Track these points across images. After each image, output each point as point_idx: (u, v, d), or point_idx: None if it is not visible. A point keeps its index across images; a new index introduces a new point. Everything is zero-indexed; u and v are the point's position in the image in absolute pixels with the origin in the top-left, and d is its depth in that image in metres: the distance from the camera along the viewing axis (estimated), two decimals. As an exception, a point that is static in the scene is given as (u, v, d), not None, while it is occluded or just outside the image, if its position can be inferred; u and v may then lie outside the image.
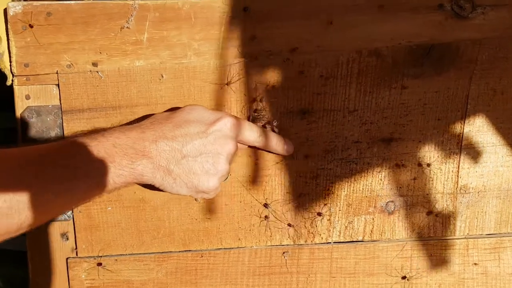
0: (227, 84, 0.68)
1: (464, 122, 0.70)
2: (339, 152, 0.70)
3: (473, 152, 0.71)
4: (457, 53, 0.69)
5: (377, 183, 0.71)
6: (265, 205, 0.70)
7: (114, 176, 0.56)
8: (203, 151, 0.60)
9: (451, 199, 0.71)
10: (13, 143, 0.74)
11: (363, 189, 0.71)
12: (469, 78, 0.70)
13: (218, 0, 0.68)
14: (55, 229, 0.70)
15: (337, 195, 0.71)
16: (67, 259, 0.70)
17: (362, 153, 0.70)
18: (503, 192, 0.71)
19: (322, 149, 0.70)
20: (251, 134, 0.64)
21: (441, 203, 0.71)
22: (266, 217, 0.70)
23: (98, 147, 0.55)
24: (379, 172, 0.71)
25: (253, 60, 0.68)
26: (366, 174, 0.71)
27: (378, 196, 0.71)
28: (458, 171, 0.71)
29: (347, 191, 0.71)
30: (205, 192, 0.62)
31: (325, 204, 0.71)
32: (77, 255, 0.70)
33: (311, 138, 0.70)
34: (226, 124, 0.62)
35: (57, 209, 0.56)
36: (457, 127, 0.70)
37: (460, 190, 0.71)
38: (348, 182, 0.71)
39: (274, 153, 0.69)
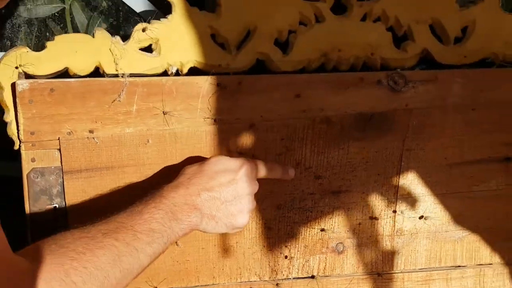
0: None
1: (399, 176, 0.86)
2: (297, 202, 0.84)
3: (407, 201, 0.86)
4: (393, 120, 0.84)
5: (328, 228, 0.85)
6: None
7: (179, 231, 0.69)
8: (236, 195, 0.74)
9: (389, 240, 0.86)
10: (13, 191, 0.85)
11: (317, 233, 0.85)
12: (403, 140, 0.85)
13: (196, 77, 0.81)
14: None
15: (296, 238, 0.84)
16: None
17: (316, 203, 0.84)
18: (431, 234, 0.87)
19: (283, 200, 0.84)
20: (265, 172, 0.79)
21: (381, 244, 0.86)
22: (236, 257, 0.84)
23: (166, 210, 0.68)
24: (330, 219, 0.85)
25: (225, 125, 0.82)
26: (319, 221, 0.85)
27: (330, 239, 0.85)
28: (394, 216, 0.86)
29: (304, 234, 0.85)
30: (240, 228, 0.75)
31: (286, 246, 0.85)
32: None
33: (275, 191, 0.83)
34: (247, 169, 0.75)
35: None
36: (394, 180, 0.86)
37: (396, 233, 0.86)
38: (304, 227, 0.85)
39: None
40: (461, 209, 0.88)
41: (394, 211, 0.86)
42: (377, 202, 0.85)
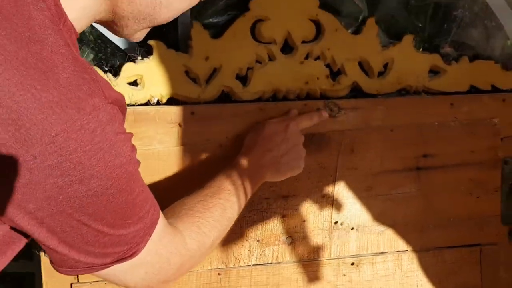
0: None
1: (335, 183, 1.09)
2: (255, 205, 1.06)
3: (341, 203, 1.09)
4: (329, 139, 1.07)
5: (279, 225, 1.07)
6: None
7: (254, 185, 0.94)
8: (290, 148, 0.97)
9: (327, 233, 1.09)
10: None
11: (271, 229, 1.07)
12: (337, 155, 1.08)
13: (174, 107, 1.01)
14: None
15: (254, 234, 1.06)
16: (71, 284, 1.00)
17: (270, 205, 1.06)
18: (360, 227, 1.10)
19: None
20: (306, 122, 1.02)
21: (321, 236, 1.09)
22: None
23: (243, 173, 0.92)
24: (281, 218, 1.07)
25: (198, 146, 1.02)
26: (273, 219, 1.07)
27: (281, 233, 1.07)
28: (331, 215, 1.09)
29: (261, 230, 1.07)
30: (300, 170, 0.99)
31: (246, 240, 1.06)
32: (78, 281, 1.00)
33: (236, 196, 1.05)
34: (292, 126, 0.99)
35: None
36: (331, 186, 1.08)
37: (332, 227, 1.09)
38: (261, 224, 1.06)
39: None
40: (382, 208, 1.11)
41: (331, 210, 1.09)
42: (318, 204, 1.08)
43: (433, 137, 1.12)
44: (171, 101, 1.03)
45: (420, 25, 1.15)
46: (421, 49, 1.15)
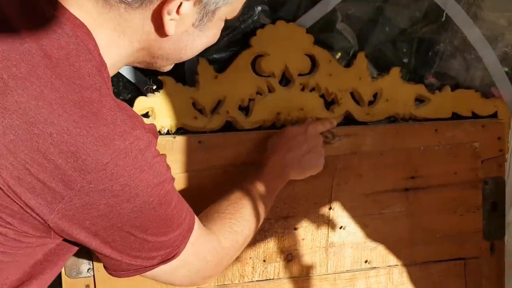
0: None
1: (331, 204, 1.18)
2: (258, 225, 1.15)
3: (337, 222, 1.19)
4: (325, 163, 1.16)
5: (281, 243, 1.16)
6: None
7: (279, 184, 1.04)
8: (310, 148, 1.07)
9: (324, 250, 1.19)
10: None
11: (272, 247, 1.16)
12: (332, 178, 1.18)
13: (183, 137, 1.11)
14: (81, 283, 1.08)
15: (257, 252, 1.15)
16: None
17: (271, 225, 1.16)
18: (354, 244, 1.20)
19: (247, 224, 1.14)
20: (321, 127, 1.12)
21: (319, 253, 1.18)
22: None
23: (269, 173, 1.02)
24: (282, 236, 1.16)
25: (205, 171, 1.11)
26: (274, 238, 1.16)
27: (282, 251, 1.17)
28: (328, 233, 1.18)
29: (263, 248, 1.16)
30: (320, 168, 1.09)
31: (250, 257, 1.15)
32: None
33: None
34: (311, 129, 1.09)
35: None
36: (327, 207, 1.18)
37: (329, 245, 1.19)
38: (263, 243, 1.16)
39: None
40: (374, 226, 1.21)
41: (327, 229, 1.18)
42: (315, 223, 1.17)
43: (419, 160, 1.22)
44: (179, 131, 1.13)
45: (406, 58, 1.26)
46: (407, 80, 1.25)
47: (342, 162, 1.18)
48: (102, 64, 0.71)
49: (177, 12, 0.72)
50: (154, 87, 1.12)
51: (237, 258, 1.13)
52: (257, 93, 1.17)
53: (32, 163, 0.64)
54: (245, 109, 1.17)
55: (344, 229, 1.19)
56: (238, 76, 1.15)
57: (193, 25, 0.76)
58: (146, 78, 1.16)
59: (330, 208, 1.18)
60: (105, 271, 0.82)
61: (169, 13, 0.72)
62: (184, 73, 1.16)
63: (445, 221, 1.25)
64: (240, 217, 0.94)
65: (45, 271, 0.75)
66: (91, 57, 0.69)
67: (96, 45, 0.71)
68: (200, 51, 0.83)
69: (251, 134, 1.15)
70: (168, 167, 0.77)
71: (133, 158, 0.68)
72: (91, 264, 1.07)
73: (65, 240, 0.72)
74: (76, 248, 0.77)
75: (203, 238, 0.85)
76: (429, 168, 1.23)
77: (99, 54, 0.71)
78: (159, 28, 0.74)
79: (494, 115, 1.28)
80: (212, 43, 0.84)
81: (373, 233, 1.21)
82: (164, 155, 0.76)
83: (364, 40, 1.23)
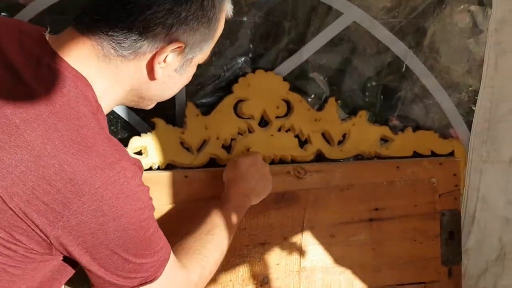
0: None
1: (302, 232, 1.33)
2: (237, 251, 1.29)
3: (308, 249, 1.33)
4: (298, 196, 1.31)
5: (258, 267, 1.31)
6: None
7: (243, 211, 1.17)
8: (261, 177, 1.21)
9: (297, 274, 1.33)
10: None
11: (250, 270, 1.31)
12: (304, 209, 1.32)
13: (171, 172, 1.26)
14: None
15: (237, 275, 1.30)
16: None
17: (249, 251, 1.30)
18: (324, 269, 1.34)
19: (229, 248, 1.28)
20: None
21: (292, 277, 1.32)
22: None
23: (231, 205, 1.15)
24: (259, 261, 1.31)
25: (190, 203, 1.26)
26: (252, 263, 1.30)
27: (259, 274, 1.31)
28: (300, 258, 1.33)
29: (242, 272, 1.30)
30: (269, 191, 1.23)
31: (230, 280, 1.29)
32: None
33: (222, 244, 1.29)
34: (258, 159, 1.23)
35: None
36: (299, 235, 1.33)
37: (301, 269, 1.33)
38: (242, 267, 1.30)
39: None
40: (342, 253, 1.35)
41: (299, 255, 1.33)
42: (289, 249, 1.32)
43: (383, 194, 1.37)
44: (169, 167, 1.28)
45: (372, 103, 1.41)
46: (373, 122, 1.41)
47: (313, 195, 1.33)
48: (98, 108, 0.87)
49: (164, 61, 0.88)
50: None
51: (218, 280, 1.28)
52: (239, 133, 1.32)
53: (38, 188, 0.77)
54: (228, 148, 1.32)
55: (314, 255, 1.34)
56: (221, 118, 1.30)
57: (175, 70, 0.92)
58: (142, 120, 1.31)
59: (302, 236, 1.32)
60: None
61: (158, 63, 0.88)
62: (174, 115, 1.32)
63: (407, 249, 1.39)
64: (206, 252, 1.06)
65: (52, 287, 0.90)
66: (88, 103, 0.84)
67: (94, 93, 0.86)
68: (178, 90, 0.99)
69: (233, 169, 1.30)
70: (150, 198, 0.90)
71: (120, 185, 0.80)
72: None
73: (64, 258, 0.86)
74: (73, 270, 0.91)
75: (177, 270, 0.97)
76: (391, 201, 1.37)
77: (96, 100, 0.86)
78: (149, 73, 0.89)
79: (451, 154, 1.44)
80: (186, 83, 0.99)
81: (341, 259, 1.35)
82: (147, 187, 0.89)
83: (334, 86, 1.39)
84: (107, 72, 0.87)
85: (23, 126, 0.79)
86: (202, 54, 0.93)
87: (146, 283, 0.90)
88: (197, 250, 1.05)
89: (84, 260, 0.84)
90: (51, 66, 0.84)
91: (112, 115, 1.32)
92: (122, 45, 0.85)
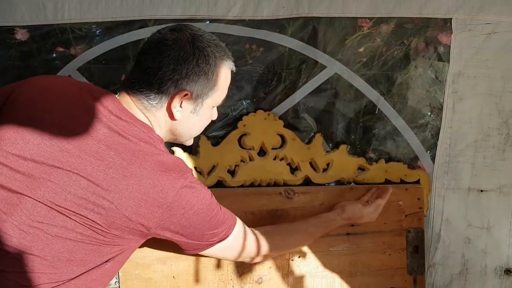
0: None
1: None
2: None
3: (295, 257, 1.63)
4: (288, 213, 1.61)
5: (253, 270, 1.60)
6: None
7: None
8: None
9: (286, 276, 1.62)
10: None
11: (247, 272, 1.60)
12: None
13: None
14: (110, 292, 1.53)
15: (236, 276, 1.59)
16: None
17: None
18: (310, 274, 1.63)
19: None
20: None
21: (281, 278, 1.62)
22: None
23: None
24: (254, 265, 1.60)
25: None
26: (248, 265, 1.60)
27: (254, 275, 1.60)
28: (289, 264, 1.62)
29: (239, 273, 1.60)
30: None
31: (231, 279, 1.59)
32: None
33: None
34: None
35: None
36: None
37: (290, 273, 1.62)
38: (241, 268, 1.60)
39: None
40: (324, 260, 1.64)
41: (288, 260, 1.62)
42: (279, 256, 1.61)
43: (358, 213, 1.67)
44: (185, 186, 1.59)
45: (351, 138, 1.72)
46: (352, 154, 1.71)
47: (300, 212, 1.63)
48: (161, 140, 1.23)
49: (180, 106, 1.20)
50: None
51: (221, 278, 1.57)
52: (241, 160, 1.64)
53: (142, 200, 1.12)
54: (232, 172, 1.64)
55: (301, 260, 1.63)
56: (228, 148, 1.62)
57: (191, 112, 1.23)
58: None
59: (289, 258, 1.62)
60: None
61: (175, 107, 1.20)
62: (190, 145, 1.64)
63: (378, 259, 1.68)
64: (282, 236, 1.45)
65: (114, 263, 1.22)
66: (155, 138, 1.20)
67: (154, 132, 1.21)
68: (203, 128, 1.30)
69: (236, 190, 1.61)
70: (207, 188, 1.24)
71: (190, 187, 1.17)
72: (118, 278, 1.53)
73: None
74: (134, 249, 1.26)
75: (243, 232, 1.34)
76: (365, 219, 1.66)
77: (159, 136, 1.22)
78: (171, 116, 1.22)
79: (418, 182, 1.73)
80: (208, 122, 1.30)
81: (323, 265, 1.65)
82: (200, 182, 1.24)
83: (321, 124, 1.70)
84: (151, 118, 1.22)
85: (125, 163, 1.14)
86: (210, 99, 1.23)
87: (219, 241, 1.29)
88: (278, 230, 1.47)
89: (175, 237, 1.23)
90: (122, 117, 1.18)
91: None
92: (151, 97, 1.18)
